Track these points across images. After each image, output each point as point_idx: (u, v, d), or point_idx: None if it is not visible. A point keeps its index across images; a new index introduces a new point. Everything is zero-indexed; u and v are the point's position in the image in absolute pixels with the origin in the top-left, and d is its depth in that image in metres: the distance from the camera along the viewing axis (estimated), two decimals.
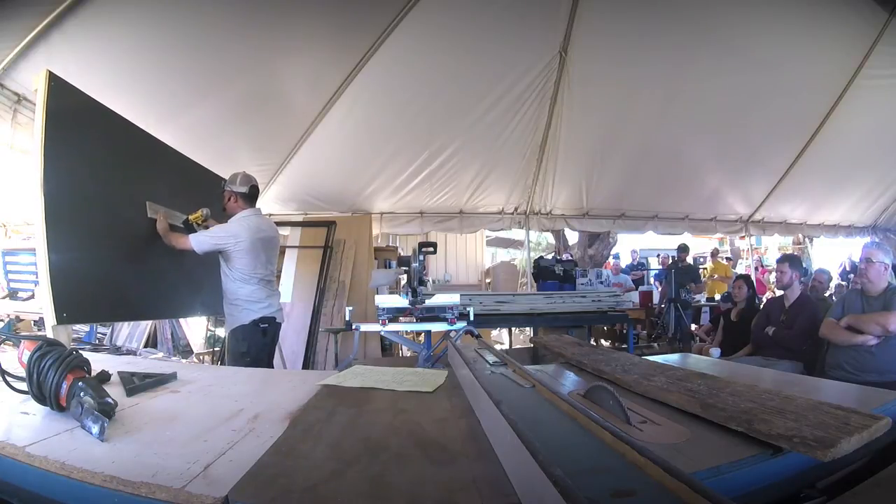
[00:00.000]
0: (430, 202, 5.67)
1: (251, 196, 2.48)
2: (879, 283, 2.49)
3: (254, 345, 2.36)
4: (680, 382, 1.21)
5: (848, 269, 7.13)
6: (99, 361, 1.39)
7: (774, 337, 2.92)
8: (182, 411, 1.08)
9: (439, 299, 2.39)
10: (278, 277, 3.33)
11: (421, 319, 2.36)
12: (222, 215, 2.49)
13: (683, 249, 5.95)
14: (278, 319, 2.51)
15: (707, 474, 0.76)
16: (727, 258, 10.50)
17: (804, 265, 5.37)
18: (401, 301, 2.36)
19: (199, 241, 2.29)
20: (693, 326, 5.44)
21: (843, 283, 6.68)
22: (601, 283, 5.13)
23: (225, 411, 1.07)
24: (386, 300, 2.46)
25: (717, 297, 5.88)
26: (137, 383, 1.23)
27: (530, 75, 4.69)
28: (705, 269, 7.63)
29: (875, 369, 2.32)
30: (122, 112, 2.31)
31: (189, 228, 2.45)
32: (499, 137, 5.15)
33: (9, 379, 1.06)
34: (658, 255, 8.92)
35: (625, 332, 4.58)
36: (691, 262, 7.50)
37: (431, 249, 2.29)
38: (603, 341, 5.72)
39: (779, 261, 3.35)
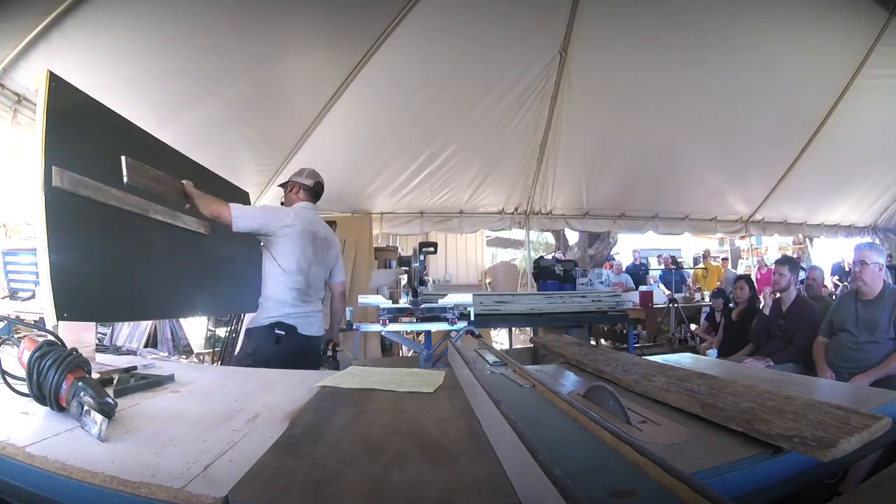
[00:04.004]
0: (430, 202, 5.67)
1: (315, 193, 2.30)
2: (875, 285, 2.45)
3: (261, 350, 2.06)
4: (680, 382, 1.21)
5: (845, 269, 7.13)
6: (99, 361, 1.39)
7: (779, 358, 2.85)
8: (182, 411, 1.08)
9: (451, 299, 2.38)
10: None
11: (421, 319, 2.36)
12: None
13: None
14: (302, 331, 2.10)
15: (707, 474, 0.76)
16: (724, 258, 10.54)
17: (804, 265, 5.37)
18: (384, 300, 2.36)
19: (241, 214, 1.93)
20: (692, 326, 5.44)
21: (845, 283, 6.68)
22: (601, 283, 5.13)
23: (225, 411, 1.07)
24: (369, 300, 2.47)
25: (707, 293, 5.86)
26: (132, 384, 1.23)
27: (530, 75, 4.69)
28: (699, 268, 7.60)
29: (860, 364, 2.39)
30: (123, 112, 2.31)
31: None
32: (499, 137, 5.15)
33: (9, 379, 1.06)
34: (659, 256, 8.91)
35: (625, 332, 4.58)
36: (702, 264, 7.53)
37: (432, 249, 2.30)
38: (603, 341, 5.71)
39: (777, 263, 3.32)
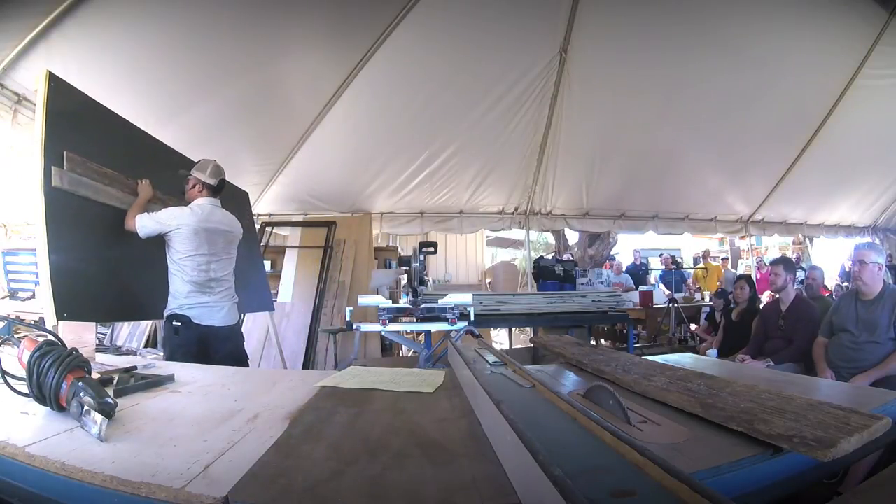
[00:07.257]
0: (430, 202, 5.67)
1: (217, 190, 2.33)
2: (875, 285, 2.44)
3: (169, 342, 2.19)
4: (680, 382, 1.21)
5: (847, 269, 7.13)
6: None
7: (779, 358, 2.83)
8: (182, 411, 1.08)
9: (451, 299, 2.37)
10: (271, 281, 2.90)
11: (421, 319, 2.36)
12: (181, 200, 2.35)
13: None
14: (199, 321, 2.15)
15: (707, 474, 0.76)
16: (724, 258, 10.54)
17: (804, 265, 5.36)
18: (384, 300, 2.36)
19: (143, 224, 2.08)
20: (692, 326, 5.44)
21: (846, 283, 6.67)
22: (601, 283, 5.12)
23: (225, 411, 1.07)
24: (369, 300, 2.46)
25: (708, 294, 5.86)
26: (132, 384, 1.23)
27: (530, 75, 4.69)
28: (700, 268, 7.60)
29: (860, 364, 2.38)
30: (122, 112, 2.31)
31: None
32: (499, 137, 5.15)
33: (9, 379, 1.06)
34: (659, 256, 8.91)
35: (625, 332, 4.57)
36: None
37: (432, 249, 2.29)
38: (603, 341, 5.71)
39: (772, 263, 3.29)
